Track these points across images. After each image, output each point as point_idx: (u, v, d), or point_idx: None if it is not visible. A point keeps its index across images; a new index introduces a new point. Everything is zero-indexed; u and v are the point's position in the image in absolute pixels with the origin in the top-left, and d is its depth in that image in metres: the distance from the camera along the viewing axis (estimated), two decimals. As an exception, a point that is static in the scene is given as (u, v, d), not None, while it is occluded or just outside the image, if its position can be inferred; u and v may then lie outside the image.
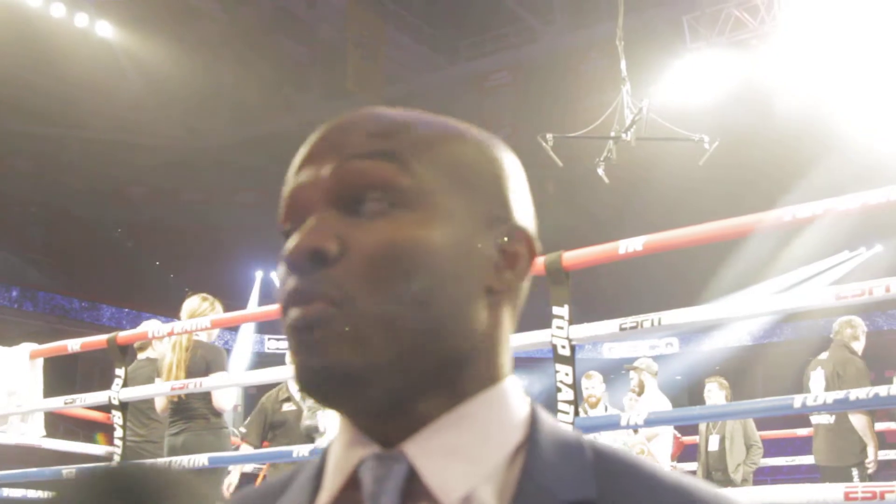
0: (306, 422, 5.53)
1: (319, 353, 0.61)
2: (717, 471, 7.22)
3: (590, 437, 0.68)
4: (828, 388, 5.65)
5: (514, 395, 0.67)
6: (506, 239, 0.67)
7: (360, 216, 0.63)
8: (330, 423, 5.39)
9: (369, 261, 0.61)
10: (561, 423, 0.68)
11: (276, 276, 0.66)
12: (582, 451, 0.65)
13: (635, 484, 0.63)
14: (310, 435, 5.56)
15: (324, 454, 0.68)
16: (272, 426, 6.04)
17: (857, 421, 5.76)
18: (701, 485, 0.63)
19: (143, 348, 5.55)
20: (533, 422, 0.66)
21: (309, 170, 0.66)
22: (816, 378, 5.99)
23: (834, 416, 5.85)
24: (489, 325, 0.66)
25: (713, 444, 7.31)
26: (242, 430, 6.10)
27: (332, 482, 0.65)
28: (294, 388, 5.96)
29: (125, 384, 4.66)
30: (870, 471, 5.81)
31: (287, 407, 6.05)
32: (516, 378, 0.69)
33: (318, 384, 0.62)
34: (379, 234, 0.62)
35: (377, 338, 0.61)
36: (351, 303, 0.61)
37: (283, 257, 0.63)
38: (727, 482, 7.13)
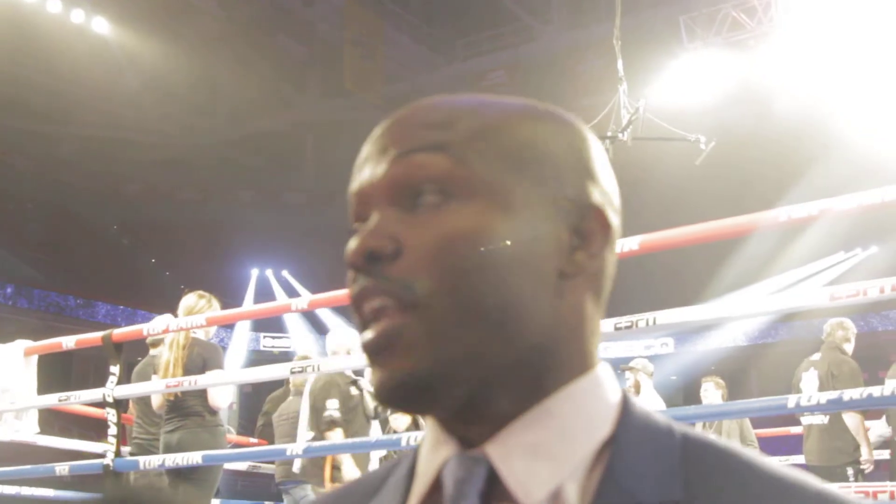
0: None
1: (390, 370, 0.61)
2: None
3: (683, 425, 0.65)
4: (822, 389, 5.66)
5: (602, 385, 0.64)
6: (577, 219, 0.64)
7: (416, 212, 0.62)
8: None
9: (427, 255, 0.60)
10: (654, 412, 0.65)
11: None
12: (672, 443, 0.61)
13: (728, 479, 0.59)
14: (378, 416, 5.55)
15: (416, 452, 0.67)
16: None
17: (851, 420, 5.77)
18: (803, 478, 0.60)
19: (155, 344, 5.53)
20: (622, 413, 0.63)
21: (369, 167, 0.65)
22: (809, 378, 6.00)
23: (828, 417, 5.87)
24: (567, 312, 0.63)
25: None
26: (336, 413, 5.72)
27: (419, 484, 0.64)
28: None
29: (120, 381, 4.66)
30: (866, 470, 5.83)
31: (353, 391, 5.87)
32: (606, 366, 0.66)
33: (396, 398, 0.61)
34: (435, 228, 0.61)
35: (446, 336, 0.60)
36: (412, 297, 0.60)
37: (345, 260, 0.63)
38: None
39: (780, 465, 0.61)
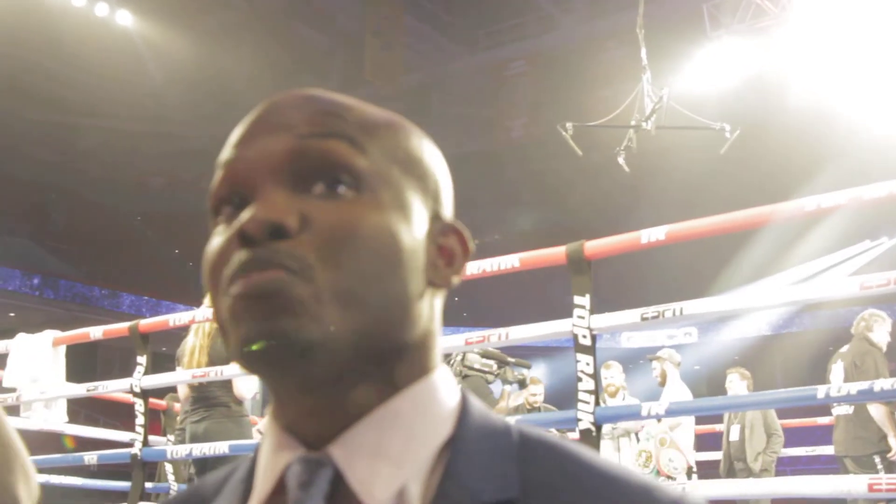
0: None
1: (271, 321, 0.58)
2: (738, 460, 7.22)
3: (522, 425, 0.67)
4: (847, 380, 5.65)
5: (443, 386, 0.66)
6: (444, 237, 0.68)
7: (312, 195, 0.62)
8: None
9: (330, 238, 0.60)
10: (491, 413, 0.67)
11: (213, 250, 0.63)
12: (509, 443, 0.64)
13: (561, 477, 0.61)
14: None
15: (255, 454, 0.67)
16: None
17: (876, 411, 5.76)
18: (630, 474, 0.62)
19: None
20: (461, 414, 0.65)
21: (255, 144, 0.64)
22: (836, 371, 6.03)
23: (853, 407, 5.86)
24: (427, 317, 0.66)
25: (734, 434, 7.31)
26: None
27: (260, 487, 0.64)
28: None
29: (147, 371, 4.69)
30: (893, 458, 5.81)
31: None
32: (446, 369, 0.68)
33: (266, 353, 0.59)
34: (340, 214, 0.61)
35: (332, 310, 0.59)
36: (310, 272, 0.59)
37: (237, 229, 0.61)
38: (748, 471, 7.12)
39: (609, 461, 0.63)
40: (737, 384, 7.33)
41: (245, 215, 0.61)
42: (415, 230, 0.64)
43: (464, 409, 0.65)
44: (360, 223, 0.61)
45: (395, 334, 0.63)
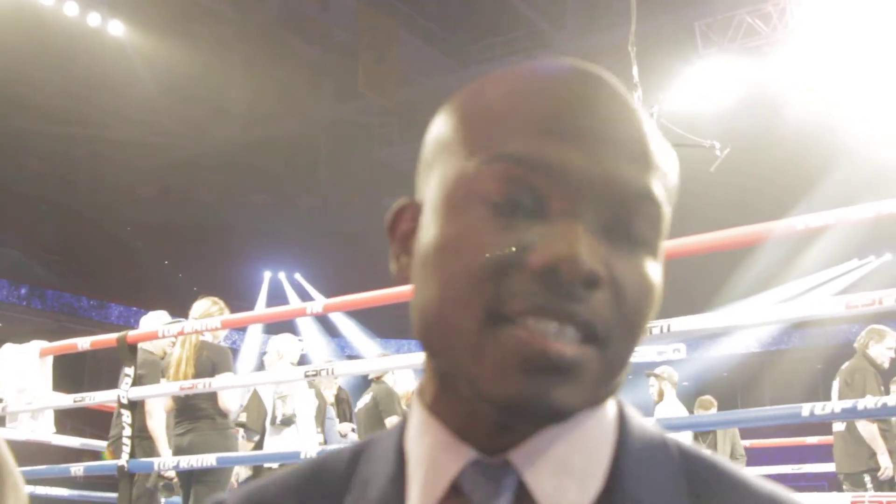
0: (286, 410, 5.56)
1: (551, 390, 0.53)
2: None
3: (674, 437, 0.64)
4: (840, 398, 5.68)
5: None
6: None
7: (613, 242, 0.55)
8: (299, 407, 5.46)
9: (629, 299, 0.55)
10: (646, 421, 0.63)
11: (484, 244, 0.54)
12: (671, 456, 0.61)
13: (727, 491, 0.59)
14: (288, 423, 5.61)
15: (398, 450, 0.62)
16: None
17: (864, 428, 5.79)
18: (792, 495, 0.61)
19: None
20: (622, 423, 0.61)
21: (584, 153, 0.55)
22: (835, 388, 6.08)
23: (844, 424, 5.91)
24: None
25: None
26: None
27: (429, 488, 0.59)
28: None
29: (135, 382, 4.68)
30: (882, 477, 5.83)
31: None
32: None
33: (525, 414, 0.54)
34: (638, 273, 0.56)
35: (607, 381, 0.56)
36: (609, 341, 0.54)
37: (544, 259, 0.53)
38: None
39: (763, 478, 0.62)
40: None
41: (550, 243, 0.53)
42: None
43: (623, 419, 0.62)
44: (654, 285, 0.57)
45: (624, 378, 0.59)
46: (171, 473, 4.99)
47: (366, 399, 6.12)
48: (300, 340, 6.24)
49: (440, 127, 0.61)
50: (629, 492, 0.57)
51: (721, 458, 0.63)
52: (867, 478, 5.81)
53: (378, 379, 6.23)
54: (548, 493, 0.57)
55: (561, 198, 0.54)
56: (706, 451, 0.63)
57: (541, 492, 0.57)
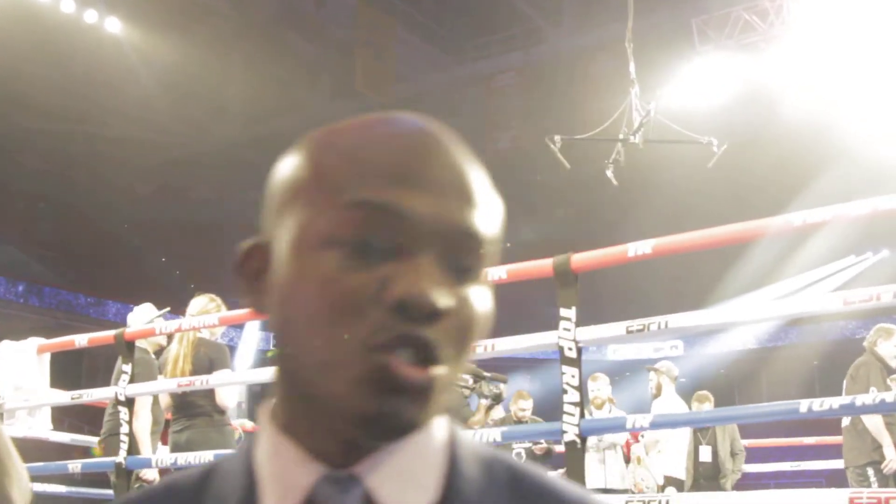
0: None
1: (409, 411, 0.61)
2: (708, 479, 7.20)
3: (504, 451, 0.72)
4: (846, 393, 5.70)
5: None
6: None
7: (458, 276, 0.63)
8: None
9: (468, 328, 0.63)
10: (475, 440, 0.71)
11: (343, 287, 0.61)
12: (499, 470, 0.68)
13: (544, 499, 0.67)
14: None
15: (248, 470, 0.67)
16: None
17: (869, 420, 5.80)
18: (599, 499, 0.68)
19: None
20: (453, 441, 0.68)
21: (428, 202, 0.62)
22: (844, 386, 6.08)
23: (849, 419, 5.93)
24: None
25: (705, 455, 7.29)
26: None
27: (281, 502, 0.64)
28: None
29: (132, 380, 4.68)
30: (886, 470, 5.83)
31: None
32: None
33: (387, 434, 0.62)
34: (477, 306, 0.64)
35: (444, 395, 0.63)
36: (451, 362, 0.62)
37: (400, 294, 0.60)
38: (719, 490, 7.15)
39: (578, 488, 0.70)
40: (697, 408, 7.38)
41: (404, 281, 0.60)
42: None
43: (454, 436, 0.69)
44: (486, 314, 0.65)
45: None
46: (151, 476, 4.95)
47: None
48: None
49: (293, 171, 0.68)
50: (463, 496, 0.65)
51: (548, 475, 0.70)
52: (870, 471, 5.82)
53: None
54: (390, 497, 0.64)
55: (409, 238, 0.62)
56: (534, 470, 0.70)
57: (383, 497, 0.64)
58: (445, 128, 0.67)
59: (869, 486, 5.66)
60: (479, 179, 0.66)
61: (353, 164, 0.63)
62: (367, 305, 0.60)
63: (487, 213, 0.65)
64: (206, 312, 4.99)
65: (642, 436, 7.15)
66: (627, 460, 7.24)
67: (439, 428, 0.68)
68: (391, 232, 0.62)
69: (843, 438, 6.16)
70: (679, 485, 6.96)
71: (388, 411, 0.61)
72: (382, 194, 0.62)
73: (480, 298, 0.64)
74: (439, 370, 0.61)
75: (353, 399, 0.61)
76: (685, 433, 7.08)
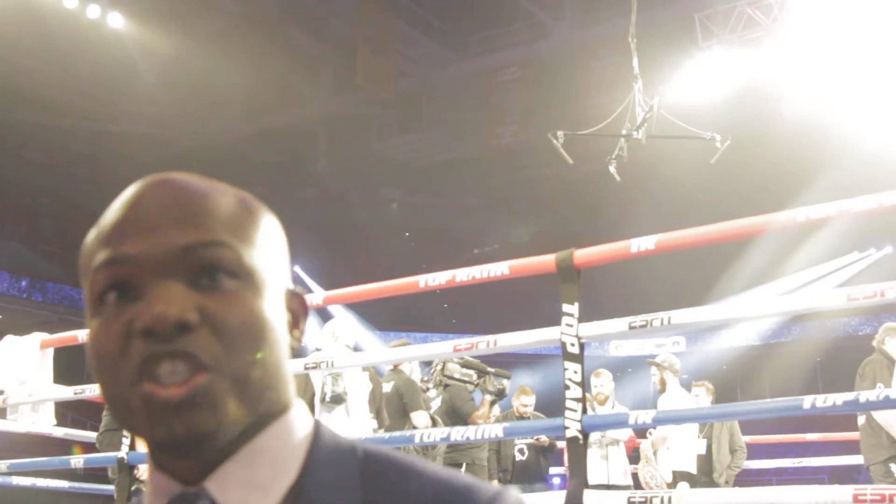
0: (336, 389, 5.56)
1: (193, 425, 0.67)
2: (703, 474, 7.17)
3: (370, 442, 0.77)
4: (855, 390, 5.68)
5: (297, 420, 0.75)
6: (291, 302, 0.77)
7: (203, 289, 0.70)
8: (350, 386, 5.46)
9: (227, 330, 0.69)
10: (340, 436, 0.76)
11: (105, 339, 0.69)
12: (353, 460, 0.74)
13: (399, 483, 0.72)
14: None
15: (142, 496, 0.76)
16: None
17: (881, 417, 5.78)
18: (456, 476, 0.72)
19: None
20: (312, 441, 0.74)
21: (140, 240, 0.70)
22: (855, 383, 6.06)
23: (864, 416, 5.92)
24: (287, 372, 0.75)
25: (700, 448, 7.26)
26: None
27: None
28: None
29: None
30: None
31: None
32: (300, 402, 0.77)
33: (188, 449, 0.69)
34: (231, 305, 0.70)
35: (231, 400, 0.68)
36: (220, 365, 0.68)
37: (143, 325, 0.67)
38: (711, 485, 7.11)
39: (441, 468, 0.74)
40: (703, 398, 7.31)
41: (143, 311, 0.68)
42: (278, 307, 0.74)
43: (315, 437, 0.75)
44: (249, 312, 0.70)
45: (276, 398, 0.73)
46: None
47: (386, 388, 6.04)
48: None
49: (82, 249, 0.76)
50: (309, 495, 0.71)
51: (399, 453, 0.75)
52: (894, 466, 5.80)
53: (396, 368, 6.17)
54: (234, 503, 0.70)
55: (145, 275, 0.70)
56: (391, 452, 0.75)
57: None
58: (185, 173, 0.76)
59: (894, 481, 5.65)
60: (202, 202, 0.73)
61: (98, 235, 0.73)
62: (126, 347, 0.68)
63: (214, 226, 0.71)
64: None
65: (650, 433, 7.12)
66: (630, 457, 7.21)
67: (298, 428, 0.74)
68: (125, 277, 0.70)
69: (860, 436, 6.14)
70: (690, 479, 6.91)
71: (165, 431, 0.67)
72: (108, 250, 0.71)
73: (233, 300, 0.70)
74: (203, 378, 0.67)
75: (141, 430, 0.69)
76: (692, 426, 7.03)
